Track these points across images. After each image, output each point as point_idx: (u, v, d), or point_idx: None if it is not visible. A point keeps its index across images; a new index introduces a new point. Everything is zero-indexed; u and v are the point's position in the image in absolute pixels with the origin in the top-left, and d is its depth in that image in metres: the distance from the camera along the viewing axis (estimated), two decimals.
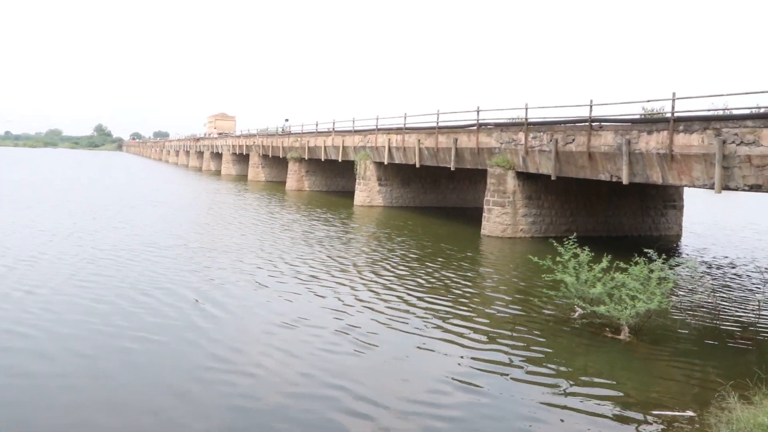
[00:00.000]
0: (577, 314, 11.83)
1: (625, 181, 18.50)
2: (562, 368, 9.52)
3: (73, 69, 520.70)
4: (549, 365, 9.56)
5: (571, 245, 12.30)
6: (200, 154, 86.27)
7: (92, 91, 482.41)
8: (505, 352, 10.08)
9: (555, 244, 12.84)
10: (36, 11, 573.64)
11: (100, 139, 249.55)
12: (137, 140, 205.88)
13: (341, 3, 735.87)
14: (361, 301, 13.11)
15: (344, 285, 14.50)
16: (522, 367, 9.43)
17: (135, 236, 20.50)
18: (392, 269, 16.63)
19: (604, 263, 11.61)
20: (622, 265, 11.90)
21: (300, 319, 11.45)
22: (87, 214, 25.98)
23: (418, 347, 10.22)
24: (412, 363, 9.62)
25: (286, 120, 56.78)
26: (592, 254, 12.30)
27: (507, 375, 9.13)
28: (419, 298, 13.44)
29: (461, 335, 10.88)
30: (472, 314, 12.36)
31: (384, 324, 11.40)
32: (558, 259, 12.30)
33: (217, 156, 76.74)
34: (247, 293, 13.53)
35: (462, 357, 9.79)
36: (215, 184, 52.22)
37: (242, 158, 65.98)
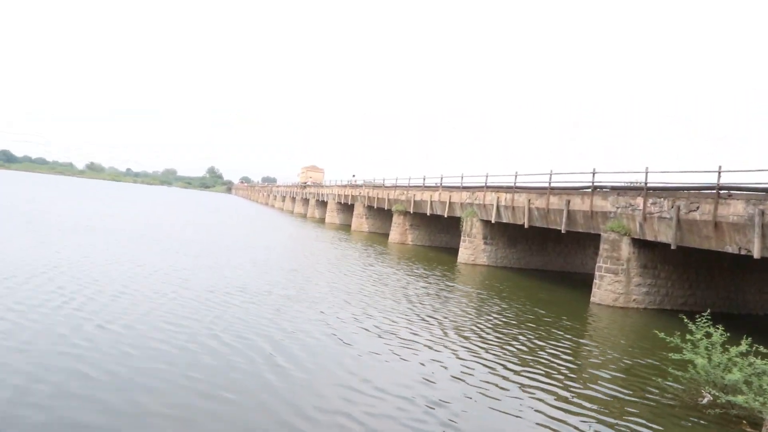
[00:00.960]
0: (705, 400, 10.78)
1: (756, 255, 17.17)
2: None
3: (189, 113, 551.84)
4: None
5: (704, 323, 11.33)
6: (306, 201, 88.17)
7: (205, 134, 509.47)
8: None
9: (685, 320, 11.87)
10: (154, 65, 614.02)
11: (212, 181, 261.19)
12: (245, 184, 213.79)
13: (424, 57, 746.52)
14: (452, 369, 12.21)
15: (436, 350, 13.61)
16: None
17: (227, 278, 20.50)
18: (491, 335, 15.72)
19: (744, 346, 10.58)
20: (762, 349, 10.84)
21: (384, 387, 10.61)
22: (187, 253, 26.60)
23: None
24: None
25: (353, 176, 69.71)
26: (728, 335, 11.27)
27: None
28: (518, 372, 12.42)
29: (565, 420, 9.83)
30: (579, 393, 11.35)
31: (476, 400, 10.45)
32: (688, 337, 11.33)
33: (322, 204, 78.17)
34: (331, 351, 12.73)
35: None
36: (318, 231, 52.92)
37: (347, 207, 66.85)
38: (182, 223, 46.77)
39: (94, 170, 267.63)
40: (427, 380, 11.28)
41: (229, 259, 25.91)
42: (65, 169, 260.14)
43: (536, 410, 10.17)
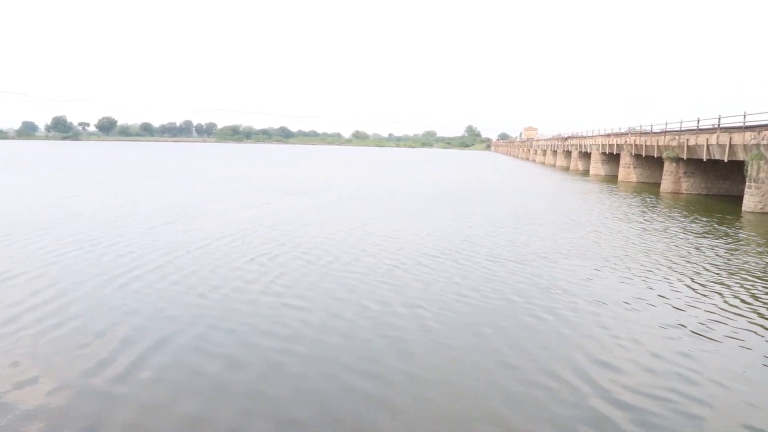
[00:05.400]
0: None
1: None
2: None
3: (447, 73, 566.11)
4: None
5: None
6: (568, 153, 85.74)
7: (464, 94, 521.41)
8: None
9: None
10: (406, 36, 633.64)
11: (470, 140, 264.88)
12: (503, 140, 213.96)
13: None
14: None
15: (733, 325, 11.51)
16: None
17: (494, 236, 20.62)
18: None
19: None
20: None
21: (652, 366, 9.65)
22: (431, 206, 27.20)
23: None
24: None
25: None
26: None
27: None
28: None
29: None
30: None
31: None
32: None
33: (585, 155, 75.43)
34: (591, 318, 12.03)
35: None
36: (581, 184, 51.06)
37: (611, 158, 63.75)
38: (435, 181, 48.11)
39: (359, 138, 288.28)
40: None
41: (482, 214, 26.07)
42: (334, 139, 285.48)
43: None
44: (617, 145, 58.76)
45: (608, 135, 64.02)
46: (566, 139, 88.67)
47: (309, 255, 16.58)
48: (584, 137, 77.12)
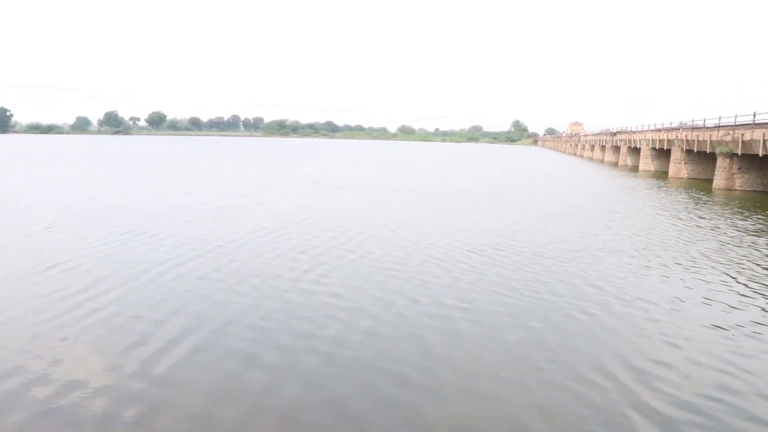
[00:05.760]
0: None
1: None
2: None
3: (493, 69, 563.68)
4: None
5: None
6: (616, 148, 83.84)
7: (510, 88, 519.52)
8: None
9: None
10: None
11: (517, 134, 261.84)
12: (550, 135, 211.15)
13: None
14: None
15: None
16: None
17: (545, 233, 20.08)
18: None
19: None
20: None
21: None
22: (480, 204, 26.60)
23: None
24: None
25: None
26: None
27: None
28: None
29: None
30: None
31: None
32: None
33: (635, 151, 73.62)
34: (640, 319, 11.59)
35: None
36: (629, 179, 49.76)
37: (661, 153, 62.04)
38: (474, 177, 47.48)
39: (405, 133, 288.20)
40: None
41: (525, 210, 25.45)
42: (380, 134, 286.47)
43: None
44: (668, 140, 57.17)
45: (658, 130, 62.29)
46: (615, 134, 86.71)
47: (338, 250, 16.34)
48: (634, 132, 75.24)
